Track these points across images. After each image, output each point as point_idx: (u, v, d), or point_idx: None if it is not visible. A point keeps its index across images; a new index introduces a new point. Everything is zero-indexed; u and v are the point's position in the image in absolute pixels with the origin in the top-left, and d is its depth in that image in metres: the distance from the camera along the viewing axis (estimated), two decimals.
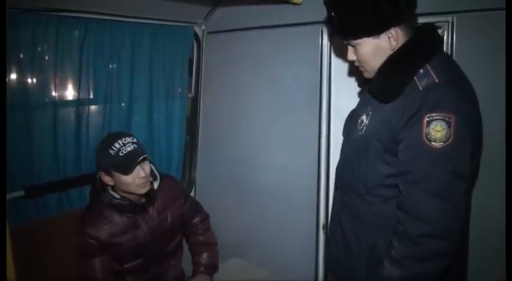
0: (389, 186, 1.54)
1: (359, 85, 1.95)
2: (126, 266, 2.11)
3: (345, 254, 1.73)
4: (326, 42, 2.47)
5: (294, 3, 2.44)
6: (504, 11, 1.62)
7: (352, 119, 1.79)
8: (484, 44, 1.95)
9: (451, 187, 1.38)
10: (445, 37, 2.03)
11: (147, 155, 1.98)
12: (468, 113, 1.40)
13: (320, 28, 2.46)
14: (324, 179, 2.55)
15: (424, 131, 1.37)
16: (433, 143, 1.36)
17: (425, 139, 1.37)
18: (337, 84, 2.50)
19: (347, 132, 1.82)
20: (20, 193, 2.27)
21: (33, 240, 2.25)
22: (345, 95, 2.44)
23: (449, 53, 2.01)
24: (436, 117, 1.36)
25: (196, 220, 2.39)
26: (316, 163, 2.55)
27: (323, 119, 2.52)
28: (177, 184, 2.37)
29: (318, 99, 2.52)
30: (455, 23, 2.00)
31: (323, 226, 2.55)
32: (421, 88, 1.42)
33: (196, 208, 2.43)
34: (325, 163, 2.55)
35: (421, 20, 2.00)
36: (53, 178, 2.44)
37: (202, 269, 2.31)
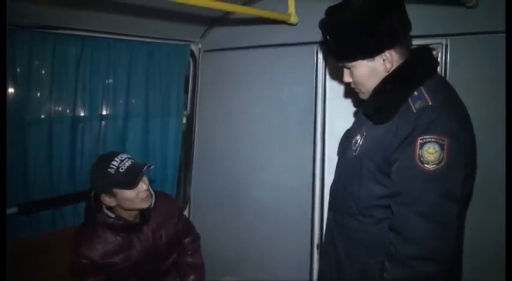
0: (382, 207, 1.53)
1: (354, 105, 1.96)
2: None
3: (337, 274, 1.72)
4: (321, 61, 2.50)
5: (289, 24, 2.46)
6: (497, 34, 1.65)
7: (347, 138, 1.80)
8: (478, 66, 1.98)
9: (443, 210, 1.38)
10: (439, 59, 2.06)
11: (149, 163, 1.98)
12: (461, 136, 1.41)
13: (315, 48, 2.49)
14: (318, 198, 2.56)
15: (417, 153, 1.37)
16: (425, 165, 1.36)
17: (418, 161, 1.37)
18: (332, 103, 2.52)
19: (341, 152, 1.83)
20: (13, 209, 2.25)
21: (26, 257, 2.23)
22: (339, 114, 2.46)
23: (443, 74, 2.04)
24: (429, 139, 1.36)
25: (187, 240, 2.37)
26: (311, 181, 2.56)
27: (318, 138, 2.53)
28: (172, 201, 2.36)
29: (313, 118, 2.53)
30: (449, 45, 2.03)
31: (317, 246, 2.55)
32: (414, 110, 1.42)
33: (188, 228, 2.41)
34: (320, 181, 2.55)
35: (416, 42, 2.04)
36: (46, 195, 2.43)
37: None
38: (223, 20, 2.85)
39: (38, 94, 2.33)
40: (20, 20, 2.10)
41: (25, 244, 2.28)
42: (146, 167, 1.96)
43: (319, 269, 1.94)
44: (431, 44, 2.06)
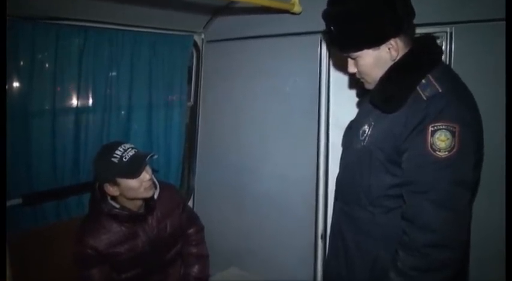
0: (393, 196, 1.53)
1: (357, 95, 1.95)
2: (124, 276, 2.10)
3: (346, 266, 1.71)
4: (325, 51, 2.48)
5: (293, 13, 2.45)
6: (501, 22, 1.63)
7: (352, 129, 1.79)
8: (482, 54, 1.95)
9: (456, 197, 1.38)
10: (443, 47, 2.04)
11: (152, 153, 1.99)
12: (471, 122, 1.41)
13: (319, 37, 2.47)
14: (322, 188, 2.55)
15: (429, 140, 1.37)
16: (437, 152, 1.36)
17: (429, 149, 1.37)
18: (336, 93, 2.50)
19: (347, 142, 1.82)
20: (17, 200, 2.26)
21: (31, 248, 2.24)
22: (343, 104, 2.45)
23: (447, 63, 2.01)
24: (441, 127, 1.36)
25: (191, 230, 2.38)
26: (315, 172, 2.55)
27: (322, 128, 2.52)
28: (176, 192, 2.37)
29: (317, 108, 2.52)
30: (453, 33, 2.01)
31: (321, 236, 2.54)
32: (424, 98, 1.42)
33: (192, 219, 2.42)
34: (324, 171, 2.54)
35: (420, 31, 2.01)
36: (51, 186, 2.44)
37: None
38: (226, 9, 2.83)
39: (42, 85, 2.33)
40: (22, 11, 2.10)
41: (29, 235, 2.29)
42: (149, 156, 1.96)
43: (325, 260, 1.94)
44: (435, 33, 2.04)
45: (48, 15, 2.24)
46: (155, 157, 2.01)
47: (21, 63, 2.24)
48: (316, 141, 2.54)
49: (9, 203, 2.20)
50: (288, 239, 2.70)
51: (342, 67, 2.42)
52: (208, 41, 3.07)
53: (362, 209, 1.62)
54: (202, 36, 3.08)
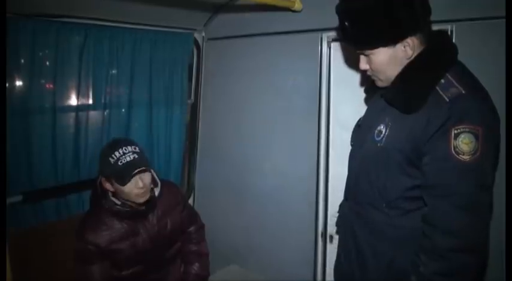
0: (410, 198, 1.50)
1: (365, 91, 1.91)
2: (125, 273, 2.10)
3: (359, 268, 1.67)
4: (325, 49, 2.48)
5: (294, 11, 2.44)
6: (502, 20, 1.62)
7: (362, 128, 1.75)
8: (483, 52, 1.94)
9: (480, 201, 1.36)
10: None
11: (144, 167, 1.94)
12: (493, 125, 1.39)
13: (320, 35, 2.47)
14: (322, 185, 2.55)
15: (452, 143, 1.34)
16: (461, 156, 1.33)
17: (453, 152, 1.34)
18: (336, 91, 2.50)
19: (358, 141, 1.77)
20: (18, 197, 2.26)
21: (31, 245, 2.24)
22: (344, 102, 2.45)
23: None
24: (464, 129, 1.33)
25: (191, 228, 2.37)
26: (315, 169, 2.55)
27: (322, 125, 2.52)
28: (177, 190, 2.36)
29: (317, 106, 2.52)
30: (454, 31, 2.00)
31: (321, 234, 2.55)
32: (447, 99, 1.38)
33: (193, 217, 2.41)
34: (324, 168, 2.54)
35: None
36: (51, 184, 2.44)
37: (192, 279, 2.30)
38: (226, 7, 2.83)
39: (42, 83, 2.33)
40: (23, 8, 2.10)
41: (30, 232, 2.29)
42: (142, 169, 1.92)
43: (336, 261, 1.89)
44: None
45: (49, 13, 2.24)
46: (152, 172, 2.00)
47: (22, 60, 2.23)
48: (316, 138, 2.54)
49: (9, 200, 2.20)
50: (288, 236, 2.71)
51: (342, 64, 2.42)
52: (209, 39, 3.07)
53: (377, 211, 1.59)
54: (203, 33, 3.08)
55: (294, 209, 2.67)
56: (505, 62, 1.55)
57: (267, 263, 2.80)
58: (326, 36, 2.46)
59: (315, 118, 2.53)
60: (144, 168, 1.93)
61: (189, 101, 3.14)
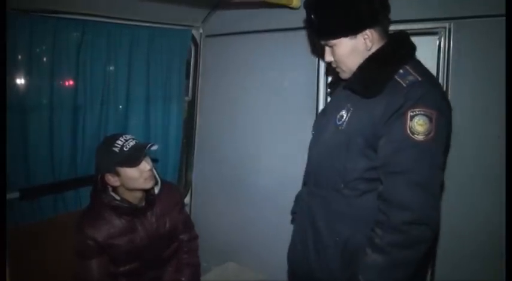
0: (367, 180, 1.59)
1: (329, 86, 2.05)
2: (122, 269, 2.10)
3: (315, 249, 1.74)
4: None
5: (291, 8, 2.44)
6: (501, 18, 1.63)
7: (325, 115, 1.83)
8: (481, 50, 1.95)
9: (433, 178, 1.46)
10: (442, 43, 2.04)
11: (151, 143, 2.02)
12: (445, 110, 1.51)
13: None
14: None
15: (408, 124, 1.44)
16: (416, 136, 1.43)
17: (408, 132, 1.44)
18: None
19: (319, 128, 1.85)
20: (14, 194, 2.26)
21: (28, 242, 2.24)
22: None
23: (445, 59, 2.02)
24: (420, 112, 1.44)
25: (184, 236, 2.35)
26: None
27: None
28: (178, 191, 2.39)
29: (315, 103, 2.52)
30: (452, 29, 2.00)
31: None
32: (404, 85, 1.49)
33: (188, 224, 2.40)
34: None
35: (418, 26, 2.02)
36: (48, 180, 2.44)
37: None
38: (224, 4, 2.82)
39: (39, 79, 2.32)
40: (20, 3, 2.09)
41: (27, 229, 2.29)
42: (149, 146, 1.99)
43: (290, 246, 1.96)
44: (434, 28, 2.03)
45: (46, 8, 2.23)
46: (155, 147, 2.03)
47: (19, 56, 2.23)
48: None
49: (6, 197, 2.19)
50: (285, 233, 2.70)
51: None
52: (207, 36, 3.07)
53: (336, 192, 1.66)
54: (201, 30, 3.07)
55: (290, 207, 2.67)
56: (503, 59, 1.55)
57: (264, 261, 2.80)
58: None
59: (312, 116, 2.52)
60: (151, 145, 2.01)
61: (186, 98, 3.14)
